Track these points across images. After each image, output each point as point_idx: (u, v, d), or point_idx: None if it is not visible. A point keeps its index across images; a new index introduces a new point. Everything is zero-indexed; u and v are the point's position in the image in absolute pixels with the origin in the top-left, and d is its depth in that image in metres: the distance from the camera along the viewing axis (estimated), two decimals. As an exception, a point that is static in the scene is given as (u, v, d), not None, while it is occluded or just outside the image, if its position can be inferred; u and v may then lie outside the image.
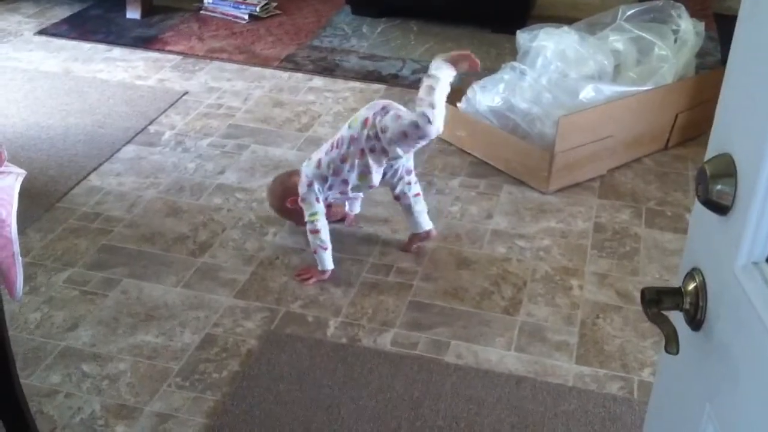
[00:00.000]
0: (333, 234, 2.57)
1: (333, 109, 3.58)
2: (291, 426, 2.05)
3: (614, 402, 2.14)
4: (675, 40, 3.36)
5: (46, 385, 2.13)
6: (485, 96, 3.14)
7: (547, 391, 2.16)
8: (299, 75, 3.90)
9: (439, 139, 3.04)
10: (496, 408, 2.11)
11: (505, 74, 3.20)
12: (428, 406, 2.11)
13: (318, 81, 3.85)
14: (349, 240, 2.73)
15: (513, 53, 3.43)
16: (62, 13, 4.43)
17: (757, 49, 0.87)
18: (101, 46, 4.09)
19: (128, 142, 3.26)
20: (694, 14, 3.49)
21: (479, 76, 3.26)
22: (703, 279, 0.96)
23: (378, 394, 2.13)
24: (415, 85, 2.87)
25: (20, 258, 1.69)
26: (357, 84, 3.83)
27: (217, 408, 2.08)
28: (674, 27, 3.38)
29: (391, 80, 3.87)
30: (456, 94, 3.21)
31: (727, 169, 0.90)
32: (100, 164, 3.10)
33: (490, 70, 3.38)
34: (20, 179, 1.72)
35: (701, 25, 3.43)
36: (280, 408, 2.09)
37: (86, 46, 4.09)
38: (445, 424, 2.07)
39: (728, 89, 0.94)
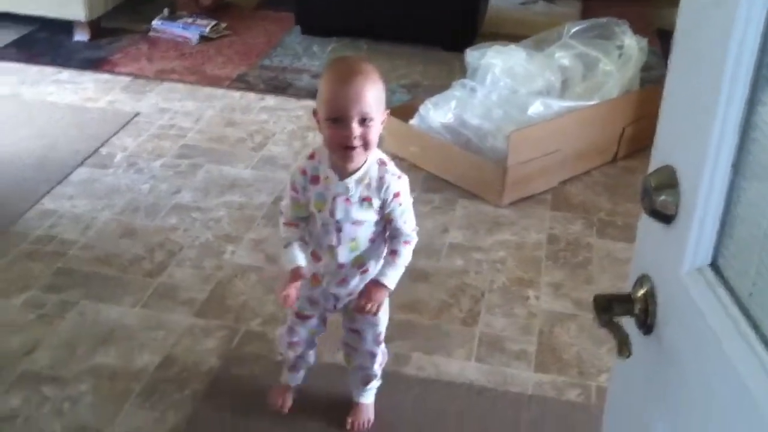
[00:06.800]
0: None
1: (287, 128, 3.60)
2: (254, 443, 2.06)
3: (573, 408, 2.19)
4: (619, 56, 3.46)
5: (6, 409, 2.11)
6: (438, 112, 3.19)
7: (508, 400, 2.20)
8: (251, 95, 3.91)
9: (393, 156, 3.07)
10: (459, 419, 2.15)
11: (456, 91, 3.26)
12: (391, 419, 2.13)
13: (270, 100, 3.87)
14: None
15: (463, 71, 3.49)
16: (8, 36, 4.38)
17: (693, 65, 0.92)
18: (49, 69, 4.06)
19: (80, 164, 3.24)
20: (637, 31, 3.60)
21: (432, 93, 3.31)
22: (652, 285, 1.00)
23: (340, 407, 2.15)
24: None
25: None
26: (310, 102, 3.84)
27: (179, 427, 2.08)
28: (618, 43, 3.49)
29: (344, 98, 3.90)
30: (409, 110, 3.27)
31: (669, 180, 0.94)
32: (52, 188, 3.08)
33: (442, 86, 3.45)
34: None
35: (644, 41, 3.54)
36: (242, 426, 2.10)
37: (34, 69, 4.05)
38: (406, 436, 2.10)
39: (667, 104, 0.99)
